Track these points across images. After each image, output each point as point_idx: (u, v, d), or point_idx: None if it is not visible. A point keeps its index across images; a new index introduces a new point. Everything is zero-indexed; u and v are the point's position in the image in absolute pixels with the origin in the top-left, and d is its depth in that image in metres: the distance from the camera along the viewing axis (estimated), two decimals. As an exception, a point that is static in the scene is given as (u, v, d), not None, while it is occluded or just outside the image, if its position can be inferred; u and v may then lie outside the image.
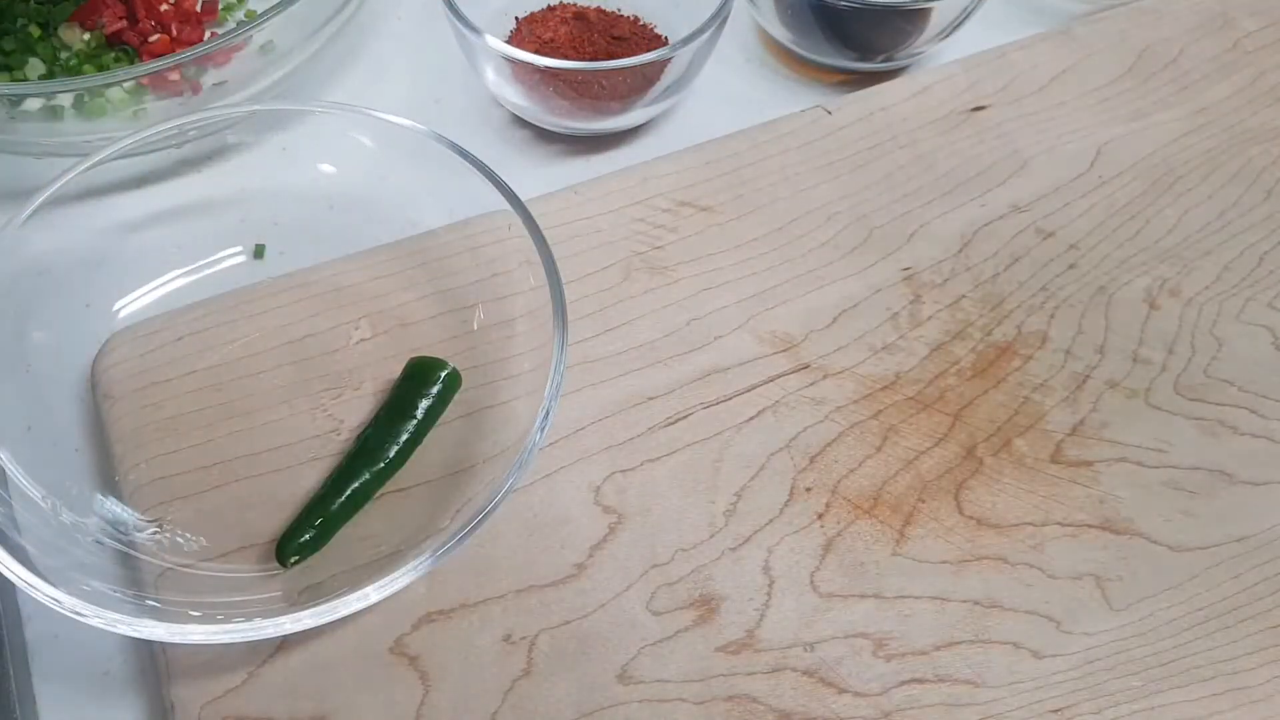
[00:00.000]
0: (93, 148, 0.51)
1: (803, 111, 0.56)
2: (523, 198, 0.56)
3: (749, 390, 0.48)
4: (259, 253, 0.52)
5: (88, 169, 0.47)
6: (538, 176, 0.57)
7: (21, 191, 0.56)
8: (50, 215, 0.47)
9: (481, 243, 0.50)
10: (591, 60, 0.55)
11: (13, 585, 0.39)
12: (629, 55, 0.54)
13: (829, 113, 0.56)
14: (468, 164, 0.48)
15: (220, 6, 0.61)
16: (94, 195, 0.53)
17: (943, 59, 0.62)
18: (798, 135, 0.56)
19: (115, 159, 0.48)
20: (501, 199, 0.48)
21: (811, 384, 0.48)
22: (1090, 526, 0.46)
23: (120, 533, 0.44)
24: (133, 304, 0.50)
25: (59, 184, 0.47)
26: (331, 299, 0.49)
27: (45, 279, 0.49)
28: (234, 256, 0.52)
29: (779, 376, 0.49)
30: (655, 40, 0.59)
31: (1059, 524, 0.46)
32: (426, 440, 0.46)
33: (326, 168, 0.52)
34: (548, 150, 0.59)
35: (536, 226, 0.47)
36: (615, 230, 0.52)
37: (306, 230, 0.52)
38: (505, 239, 0.48)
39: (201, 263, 0.51)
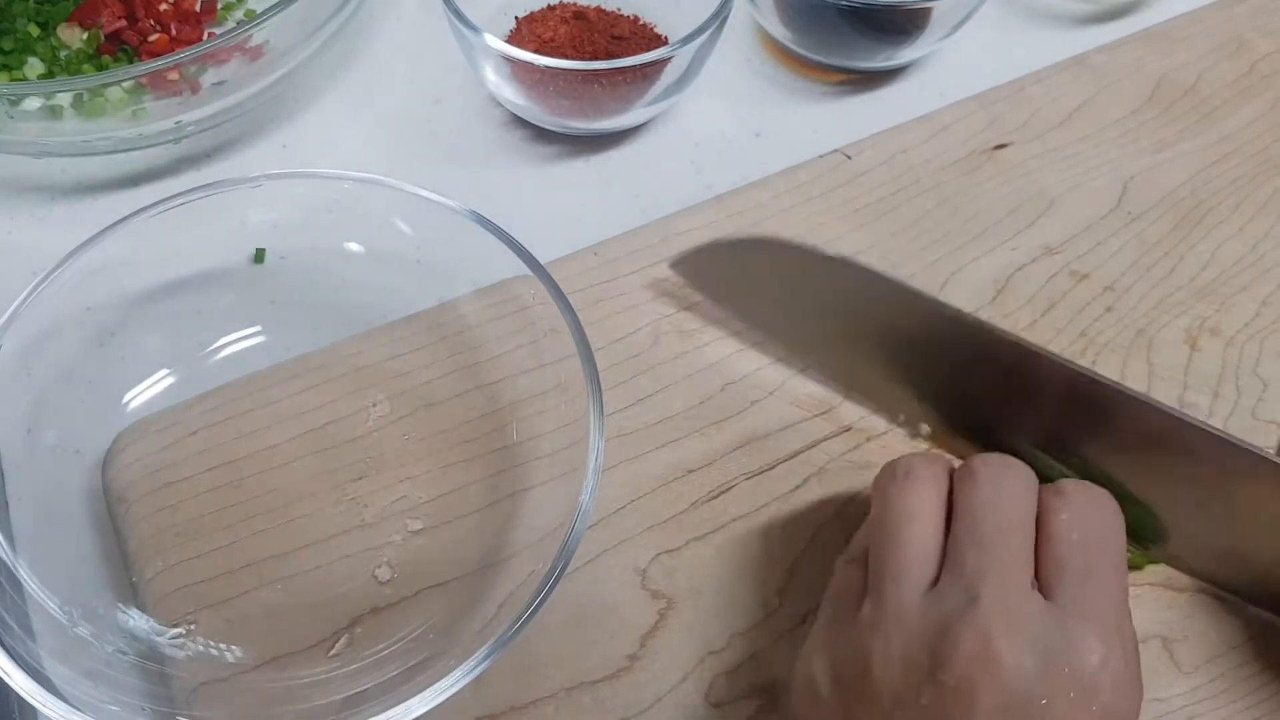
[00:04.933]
0: (91, 147, 0.53)
1: (821, 158, 0.55)
2: (522, 204, 0.55)
3: (791, 457, 0.46)
4: (259, 257, 0.50)
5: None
6: (537, 176, 0.57)
7: (21, 191, 0.56)
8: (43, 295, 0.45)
9: (504, 313, 0.48)
10: (591, 60, 0.53)
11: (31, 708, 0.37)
12: (629, 55, 0.53)
13: (848, 157, 0.55)
14: (486, 231, 0.46)
15: (219, 6, 0.61)
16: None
17: (943, 59, 0.61)
18: (818, 183, 0.54)
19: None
20: (523, 265, 0.46)
21: (855, 448, 0.47)
22: (1152, 585, 0.44)
23: (146, 646, 0.41)
24: (143, 393, 0.47)
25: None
26: (350, 381, 0.47)
27: (49, 372, 0.46)
28: (245, 339, 0.49)
29: (821, 441, 0.47)
30: (655, 40, 0.58)
31: (1120, 584, 0.44)
32: (460, 528, 0.44)
33: (353, 246, 0.50)
34: (547, 150, 0.58)
35: (562, 294, 0.45)
36: (640, 292, 0.50)
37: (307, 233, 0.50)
38: (529, 307, 0.47)
39: (212, 347, 0.49)
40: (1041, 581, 0.35)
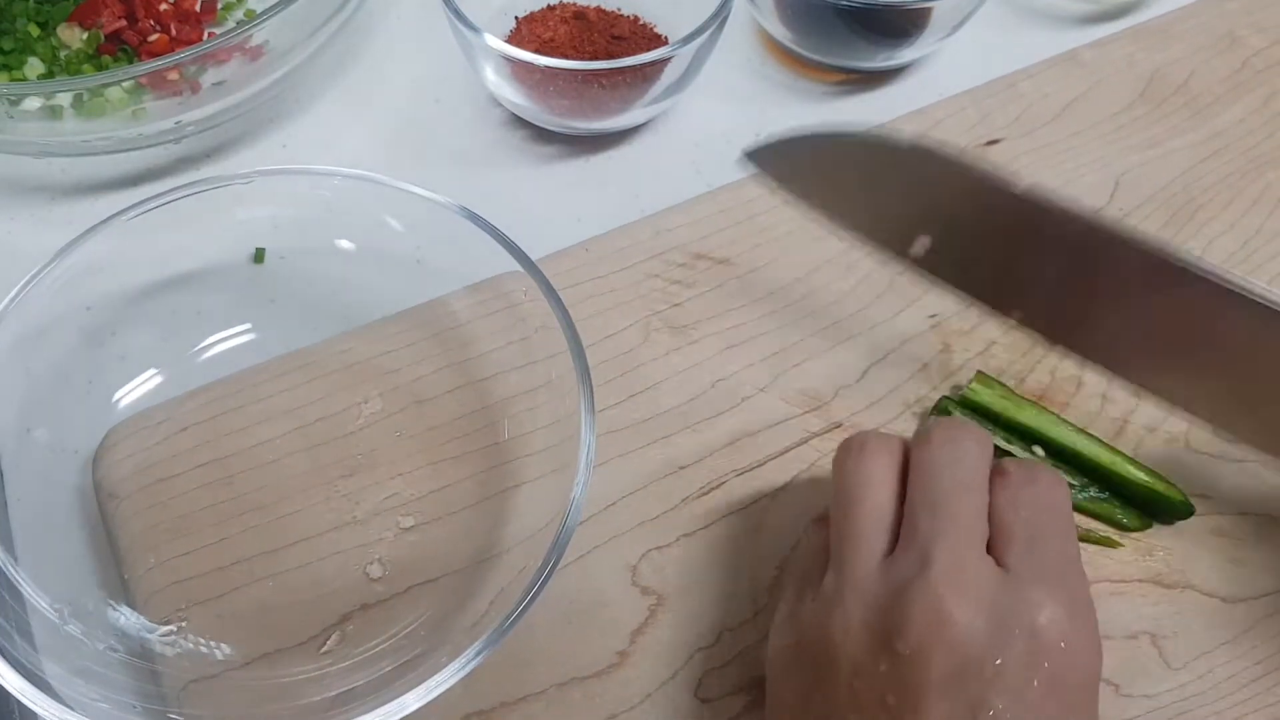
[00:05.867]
0: (91, 147, 0.53)
1: (814, 153, 0.55)
2: (522, 203, 0.55)
3: (782, 454, 0.47)
4: (259, 257, 0.50)
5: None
6: (537, 176, 0.57)
7: (21, 191, 0.56)
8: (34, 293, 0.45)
9: (495, 309, 0.48)
10: (591, 60, 0.53)
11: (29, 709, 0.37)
12: (629, 55, 0.53)
13: (841, 154, 0.55)
14: (477, 227, 0.46)
15: (219, 6, 0.61)
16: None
17: (943, 59, 0.61)
18: (811, 179, 0.54)
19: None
20: (514, 262, 0.46)
21: (846, 444, 0.47)
22: (1140, 581, 0.44)
23: (136, 644, 0.41)
24: (134, 390, 0.47)
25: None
26: (342, 378, 0.47)
27: (41, 367, 0.46)
28: (236, 337, 0.49)
29: (812, 438, 0.47)
30: (655, 40, 0.58)
31: (1108, 580, 0.44)
32: (451, 524, 0.44)
33: (345, 243, 0.50)
34: (547, 150, 0.58)
35: (553, 290, 0.45)
36: (631, 289, 0.50)
37: (298, 231, 0.50)
38: (520, 303, 0.47)
39: (203, 344, 0.49)
40: (991, 553, 0.35)
